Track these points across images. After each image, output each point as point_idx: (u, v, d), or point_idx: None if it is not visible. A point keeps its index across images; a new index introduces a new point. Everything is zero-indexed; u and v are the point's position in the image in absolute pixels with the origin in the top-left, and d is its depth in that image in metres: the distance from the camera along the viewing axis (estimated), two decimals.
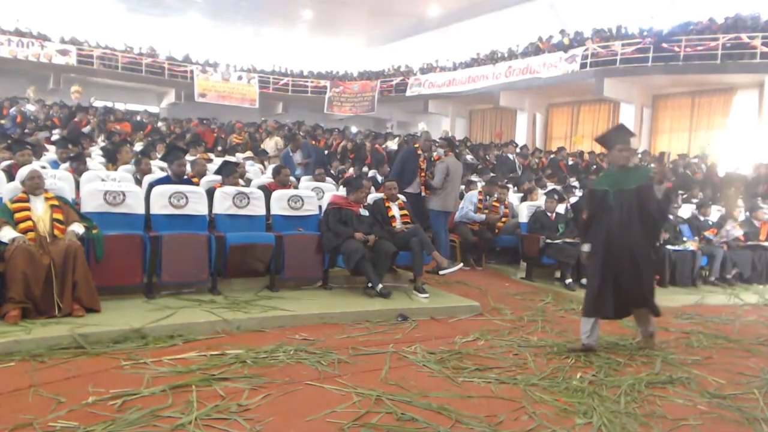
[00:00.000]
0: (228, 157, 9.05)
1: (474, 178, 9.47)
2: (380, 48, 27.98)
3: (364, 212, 5.62)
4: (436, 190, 7.02)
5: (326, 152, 12.19)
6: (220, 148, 11.07)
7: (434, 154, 7.85)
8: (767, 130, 13.40)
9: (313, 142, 11.98)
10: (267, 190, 5.75)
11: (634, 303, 4.14)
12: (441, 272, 5.90)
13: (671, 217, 7.42)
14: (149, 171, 6.30)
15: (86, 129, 10.25)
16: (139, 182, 5.82)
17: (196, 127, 13.75)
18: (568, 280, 6.28)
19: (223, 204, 5.30)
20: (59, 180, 4.98)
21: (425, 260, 5.51)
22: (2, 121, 11.42)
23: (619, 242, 3.97)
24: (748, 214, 8.16)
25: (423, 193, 7.24)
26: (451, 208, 7.24)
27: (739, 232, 7.53)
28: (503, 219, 7.63)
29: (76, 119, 10.67)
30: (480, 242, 7.43)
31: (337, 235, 5.23)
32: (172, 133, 12.71)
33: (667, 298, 6.25)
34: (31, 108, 12.72)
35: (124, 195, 4.88)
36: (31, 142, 7.01)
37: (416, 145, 7.71)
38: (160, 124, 14.42)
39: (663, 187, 3.94)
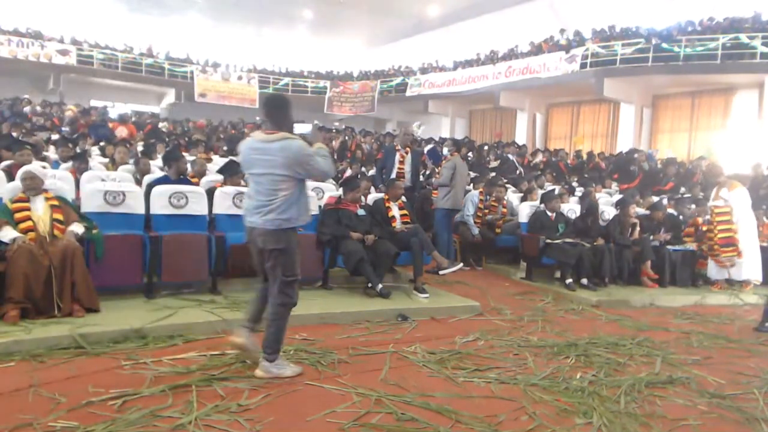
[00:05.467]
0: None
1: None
2: (380, 48, 27.96)
3: (361, 212, 5.61)
4: (445, 188, 7.11)
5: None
6: (226, 148, 10.95)
7: (445, 153, 7.95)
8: (767, 130, 13.40)
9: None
10: None
11: None
12: (441, 272, 5.90)
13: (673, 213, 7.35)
14: (149, 171, 6.30)
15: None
16: (139, 182, 5.82)
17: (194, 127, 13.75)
18: (568, 280, 6.27)
19: (223, 204, 5.30)
20: (59, 180, 4.98)
21: (425, 260, 5.51)
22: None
23: None
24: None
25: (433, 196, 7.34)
26: (459, 206, 7.31)
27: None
28: (502, 219, 7.62)
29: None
30: (480, 242, 7.43)
31: (336, 237, 5.23)
32: (172, 133, 12.67)
33: (667, 298, 6.28)
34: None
35: (124, 195, 4.89)
36: (31, 142, 7.00)
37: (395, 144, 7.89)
38: (161, 124, 14.42)
39: None
